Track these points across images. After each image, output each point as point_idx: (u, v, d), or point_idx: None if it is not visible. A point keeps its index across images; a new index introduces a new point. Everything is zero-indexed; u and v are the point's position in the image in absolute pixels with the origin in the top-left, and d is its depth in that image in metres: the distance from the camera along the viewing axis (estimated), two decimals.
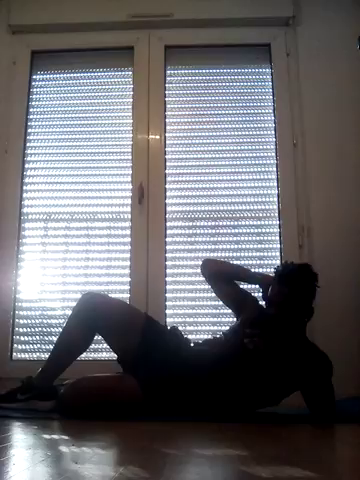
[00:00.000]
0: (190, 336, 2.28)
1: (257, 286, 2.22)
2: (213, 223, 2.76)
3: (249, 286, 2.30)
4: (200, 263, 2.59)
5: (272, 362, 1.90)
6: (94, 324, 1.97)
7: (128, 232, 2.75)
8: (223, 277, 2.22)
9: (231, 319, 2.62)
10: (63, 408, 1.86)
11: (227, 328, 2.23)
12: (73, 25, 2.94)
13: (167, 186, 2.80)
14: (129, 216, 2.77)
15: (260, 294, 2.18)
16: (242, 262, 2.69)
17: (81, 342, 2.00)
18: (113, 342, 2.08)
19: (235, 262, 2.67)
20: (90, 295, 2.07)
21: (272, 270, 2.16)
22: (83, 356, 2.10)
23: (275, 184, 2.77)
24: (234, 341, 2.00)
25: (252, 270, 2.30)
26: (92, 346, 2.11)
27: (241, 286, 2.27)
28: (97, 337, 2.07)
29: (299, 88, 2.83)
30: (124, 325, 2.01)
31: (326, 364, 1.90)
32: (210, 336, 2.26)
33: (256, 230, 2.74)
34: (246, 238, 2.73)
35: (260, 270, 2.65)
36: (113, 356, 2.21)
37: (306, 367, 1.88)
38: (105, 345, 2.37)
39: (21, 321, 2.69)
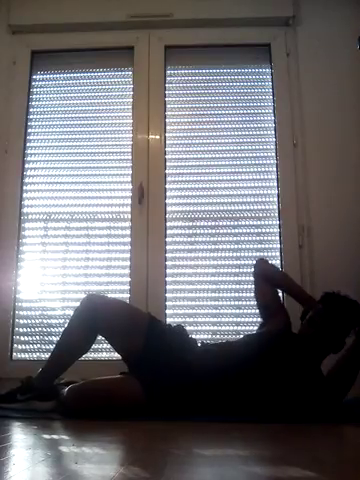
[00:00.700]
0: (190, 335, 2.27)
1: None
2: (213, 223, 2.76)
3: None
4: (200, 263, 2.59)
5: (276, 380, 1.90)
6: (96, 325, 1.96)
7: (128, 232, 2.75)
8: (271, 280, 2.21)
9: (230, 319, 2.63)
10: (66, 411, 1.86)
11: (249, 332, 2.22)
12: (73, 25, 2.94)
13: (167, 186, 2.80)
14: (129, 216, 2.77)
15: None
16: (242, 263, 2.69)
17: (83, 343, 1.99)
18: (116, 343, 2.07)
19: (235, 263, 2.69)
20: (92, 296, 2.07)
21: (321, 294, 2.14)
22: (84, 356, 2.09)
23: (275, 184, 2.77)
24: (244, 349, 2.00)
25: (300, 286, 2.28)
26: (92, 346, 2.11)
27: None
28: (97, 337, 2.06)
29: (299, 88, 2.83)
30: (127, 326, 2.00)
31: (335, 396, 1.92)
32: (224, 340, 2.24)
33: (256, 230, 2.74)
34: (246, 238, 2.73)
35: None
36: (113, 356, 2.22)
37: (308, 396, 1.89)
38: (105, 345, 2.38)
39: (21, 321, 2.69)
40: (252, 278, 2.28)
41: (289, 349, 1.99)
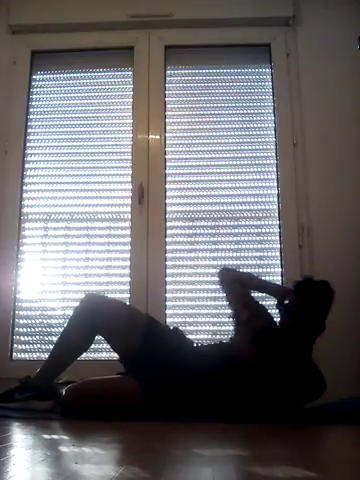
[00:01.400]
0: (190, 336, 2.28)
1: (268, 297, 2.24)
2: (213, 223, 2.76)
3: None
4: (200, 263, 2.60)
5: (268, 371, 1.91)
6: (95, 325, 1.97)
7: (128, 232, 2.75)
8: (238, 284, 2.22)
9: (231, 319, 2.63)
10: (65, 410, 1.86)
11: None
12: (73, 25, 2.94)
13: (167, 186, 2.80)
14: (129, 216, 2.77)
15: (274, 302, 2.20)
16: (242, 263, 2.69)
17: (81, 343, 2.00)
18: (114, 343, 2.08)
19: (235, 263, 2.69)
20: (91, 296, 2.08)
21: (292, 283, 2.15)
22: (83, 356, 2.10)
23: (275, 184, 2.77)
24: (233, 349, 2.01)
25: (269, 280, 2.30)
26: (92, 346, 2.11)
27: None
28: (97, 337, 2.07)
29: (299, 88, 2.82)
30: (125, 326, 2.01)
31: (316, 389, 1.93)
32: (217, 341, 2.25)
33: (256, 230, 2.74)
34: (246, 238, 2.73)
35: (260, 270, 2.66)
36: (113, 356, 2.22)
37: (297, 387, 1.91)
38: (105, 345, 2.38)
39: (21, 321, 2.69)
40: (220, 279, 2.29)
41: (277, 342, 2.00)
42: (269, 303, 2.32)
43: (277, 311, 2.17)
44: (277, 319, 2.17)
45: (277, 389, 1.90)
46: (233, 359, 1.93)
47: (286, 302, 2.09)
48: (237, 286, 2.21)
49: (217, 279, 2.31)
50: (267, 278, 2.54)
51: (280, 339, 2.02)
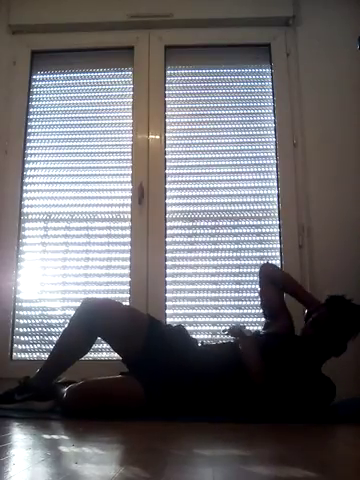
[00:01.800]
0: (191, 335, 2.27)
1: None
2: (213, 223, 2.76)
3: None
4: (200, 263, 2.60)
5: (276, 379, 1.90)
6: (95, 328, 1.96)
7: (128, 232, 2.75)
8: (277, 282, 2.26)
9: (230, 319, 2.63)
10: (65, 411, 1.86)
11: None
12: (73, 25, 2.94)
13: (167, 186, 2.80)
14: (129, 216, 2.77)
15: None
16: (242, 262, 2.69)
17: (82, 345, 1.99)
18: (116, 345, 2.07)
19: (235, 263, 2.69)
20: (91, 299, 2.09)
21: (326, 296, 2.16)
22: (83, 356, 2.10)
23: (275, 184, 2.77)
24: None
25: (305, 290, 2.31)
26: (92, 346, 2.11)
27: None
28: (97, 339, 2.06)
29: (299, 88, 2.82)
30: (126, 328, 2.00)
31: (324, 398, 1.93)
32: (225, 340, 2.25)
33: (256, 230, 2.74)
34: (246, 238, 2.73)
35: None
36: (113, 356, 2.22)
37: (306, 396, 1.90)
38: (105, 345, 2.37)
39: (21, 321, 2.69)
40: (253, 278, 2.31)
41: (291, 350, 2.00)
42: None
43: (304, 322, 2.15)
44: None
45: (286, 397, 1.89)
46: (240, 366, 1.93)
47: (314, 315, 2.08)
48: (276, 283, 2.25)
49: (259, 271, 2.34)
50: None
51: (295, 348, 2.02)
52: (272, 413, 1.85)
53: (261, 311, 2.35)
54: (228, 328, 2.12)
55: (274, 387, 1.88)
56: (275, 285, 2.25)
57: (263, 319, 2.35)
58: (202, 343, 2.12)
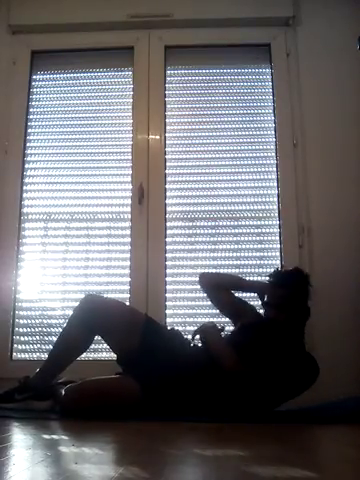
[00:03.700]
0: (185, 337, 2.28)
1: (254, 295, 2.29)
2: (213, 223, 2.76)
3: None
4: (200, 263, 2.61)
5: (264, 367, 1.92)
6: (93, 326, 1.98)
7: (128, 232, 2.75)
8: (220, 287, 2.28)
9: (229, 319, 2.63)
10: (64, 411, 1.86)
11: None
12: (73, 25, 2.94)
13: (167, 186, 2.80)
14: (129, 216, 2.77)
15: (258, 302, 2.26)
16: (242, 263, 2.69)
17: (81, 343, 2.00)
18: (113, 343, 2.09)
19: (235, 263, 2.69)
20: (90, 297, 2.09)
21: (266, 278, 2.23)
22: (83, 356, 2.10)
23: (275, 184, 2.77)
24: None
25: (248, 279, 2.37)
26: (92, 346, 2.11)
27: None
28: (96, 337, 2.07)
29: (299, 88, 2.82)
30: (124, 326, 2.02)
31: (308, 376, 1.95)
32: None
33: (256, 230, 2.74)
34: (246, 238, 2.73)
35: (260, 270, 2.66)
36: (113, 356, 2.22)
37: (292, 376, 1.93)
38: (105, 345, 2.37)
39: (21, 321, 2.69)
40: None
41: (268, 336, 2.02)
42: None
43: (263, 310, 2.22)
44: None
45: (274, 383, 1.92)
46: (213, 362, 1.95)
47: (266, 298, 2.14)
48: (219, 288, 2.28)
49: (199, 287, 2.37)
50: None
51: (270, 331, 2.04)
52: (264, 400, 1.87)
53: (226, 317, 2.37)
54: (196, 330, 2.13)
55: (260, 373, 1.90)
56: (219, 289, 2.28)
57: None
58: (193, 345, 2.13)
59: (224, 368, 1.90)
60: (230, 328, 2.31)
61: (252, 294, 2.32)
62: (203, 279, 2.33)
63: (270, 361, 1.93)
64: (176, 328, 2.21)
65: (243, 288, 2.31)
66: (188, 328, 2.60)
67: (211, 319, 2.63)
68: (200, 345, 2.11)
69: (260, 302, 2.22)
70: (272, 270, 2.23)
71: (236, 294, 2.31)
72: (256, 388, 1.91)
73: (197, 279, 2.37)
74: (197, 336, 2.09)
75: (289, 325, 2.06)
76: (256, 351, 1.94)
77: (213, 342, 2.02)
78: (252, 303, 2.33)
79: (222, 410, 1.88)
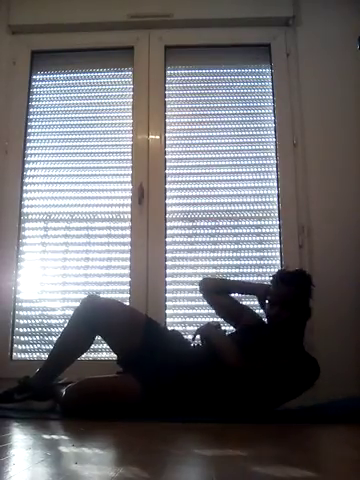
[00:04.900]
0: (185, 337, 2.29)
1: (251, 296, 2.32)
2: (213, 223, 2.76)
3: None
4: (200, 263, 2.61)
5: (266, 365, 1.92)
6: (94, 326, 1.98)
7: (128, 232, 2.75)
8: (219, 291, 2.31)
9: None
10: (64, 410, 1.86)
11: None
12: (73, 25, 2.94)
13: (167, 186, 2.79)
14: (129, 216, 2.77)
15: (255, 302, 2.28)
16: (242, 263, 2.69)
17: (81, 343, 2.00)
18: (114, 343, 2.09)
19: (235, 263, 2.69)
20: (90, 297, 2.09)
21: (269, 278, 2.25)
22: (83, 356, 2.10)
23: (275, 184, 2.77)
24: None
25: (246, 281, 2.40)
26: (92, 346, 2.11)
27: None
28: (96, 337, 2.07)
29: (299, 88, 2.82)
30: (124, 326, 2.02)
31: (309, 376, 1.95)
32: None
33: (256, 230, 2.74)
34: (246, 238, 2.73)
35: (260, 270, 2.66)
36: (113, 356, 2.22)
37: (293, 375, 1.93)
38: (105, 345, 2.38)
39: (21, 321, 2.69)
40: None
41: (268, 336, 2.04)
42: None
43: (261, 310, 2.23)
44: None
45: (275, 382, 1.92)
46: (217, 360, 1.95)
47: (268, 297, 2.14)
48: (218, 292, 2.31)
49: (199, 293, 2.39)
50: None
51: (271, 333, 2.06)
52: (263, 400, 1.88)
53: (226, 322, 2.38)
54: (197, 329, 2.14)
55: (260, 371, 1.91)
56: (219, 292, 2.31)
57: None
58: (193, 345, 2.13)
59: (228, 364, 1.91)
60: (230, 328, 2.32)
61: (251, 298, 2.33)
62: (202, 284, 2.37)
63: (271, 360, 1.93)
64: (176, 329, 2.21)
65: (243, 290, 2.33)
66: (188, 328, 2.60)
67: (211, 319, 2.63)
68: (200, 345, 2.11)
69: (259, 303, 2.23)
70: (275, 270, 2.25)
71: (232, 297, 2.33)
72: (257, 387, 1.91)
73: (198, 279, 2.38)
74: (198, 336, 2.09)
75: (291, 323, 2.06)
76: (258, 350, 1.95)
77: (217, 338, 2.03)
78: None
79: (222, 410, 1.88)
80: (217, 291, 2.31)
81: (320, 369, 1.98)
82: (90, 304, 2.01)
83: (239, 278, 2.59)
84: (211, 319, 2.62)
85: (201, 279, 2.42)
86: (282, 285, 2.10)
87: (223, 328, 2.15)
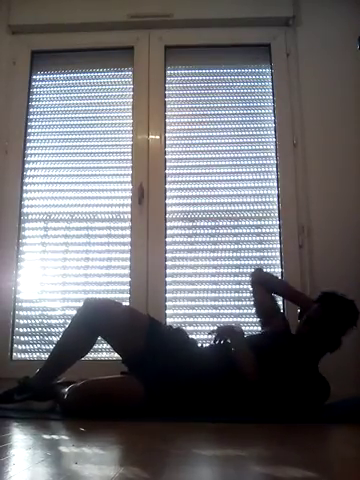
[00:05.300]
0: (190, 336, 2.28)
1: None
2: (213, 223, 2.76)
3: None
4: (200, 263, 2.61)
5: (273, 378, 1.91)
6: (96, 328, 1.97)
7: (128, 232, 2.75)
8: (268, 286, 2.29)
9: (230, 319, 2.63)
10: (66, 411, 1.86)
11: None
12: (73, 25, 2.94)
13: (167, 186, 2.80)
14: (129, 216, 2.77)
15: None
16: (242, 263, 2.69)
17: (82, 345, 1.99)
18: (116, 345, 2.08)
19: (235, 263, 2.69)
20: (92, 299, 2.10)
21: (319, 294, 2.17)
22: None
23: (275, 184, 2.77)
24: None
25: (297, 290, 2.34)
26: (93, 346, 2.11)
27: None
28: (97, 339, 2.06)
29: (299, 88, 2.82)
30: (127, 328, 2.01)
31: (318, 398, 1.93)
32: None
33: (256, 230, 2.74)
34: (246, 238, 2.73)
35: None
36: (113, 356, 2.22)
37: (302, 396, 1.90)
38: (105, 345, 2.38)
39: (21, 321, 2.69)
40: (252, 278, 2.33)
41: (287, 348, 2.01)
42: None
43: (298, 321, 2.17)
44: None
45: (281, 395, 1.89)
46: (233, 366, 1.93)
47: (308, 312, 2.09)
48: (266, 287, 2.28)
49: (249, 278, 2.38)
50: None
51: (291, 346, 2.02)
52: (267, 411, 1.85)
53: (256, 316, 2.37)
54: (216, 329, 2.11)
55: (269, 384, 1.89)
56: (266, 288, 2.29)
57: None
58: (201, 345, 2.13)
59: (244, 374, 1.89)
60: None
61: None
62: (256, 273, 2.37)
63: (283, 374, 1.91)
64: (180, 327, 2.18)
65: (290, 297, 2.30)
66: (188, 328, 2.60)
67: (211, 319, 2.64)
68: (212, 344, 2.09)
69: (299, 314, 2.17)
70: (278, 271, 2.21)
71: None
72: (265, 400, 1.89)
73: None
74: (216, 337, 2.04)
75: (315, 345, 2.03)
76: (272, 358, 1.93)
77: (238, 345, 1.99)
78: None
79: (225, 413, 1.86)
80: (266, 286, 2.29)
81: (330, 392, 1.95)
82: (92, 305, 2.00)
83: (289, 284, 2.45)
84: (211, 319, 2.63)
85: (257, 268, 2.43)
86: (321, 308, 2.05)
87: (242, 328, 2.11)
